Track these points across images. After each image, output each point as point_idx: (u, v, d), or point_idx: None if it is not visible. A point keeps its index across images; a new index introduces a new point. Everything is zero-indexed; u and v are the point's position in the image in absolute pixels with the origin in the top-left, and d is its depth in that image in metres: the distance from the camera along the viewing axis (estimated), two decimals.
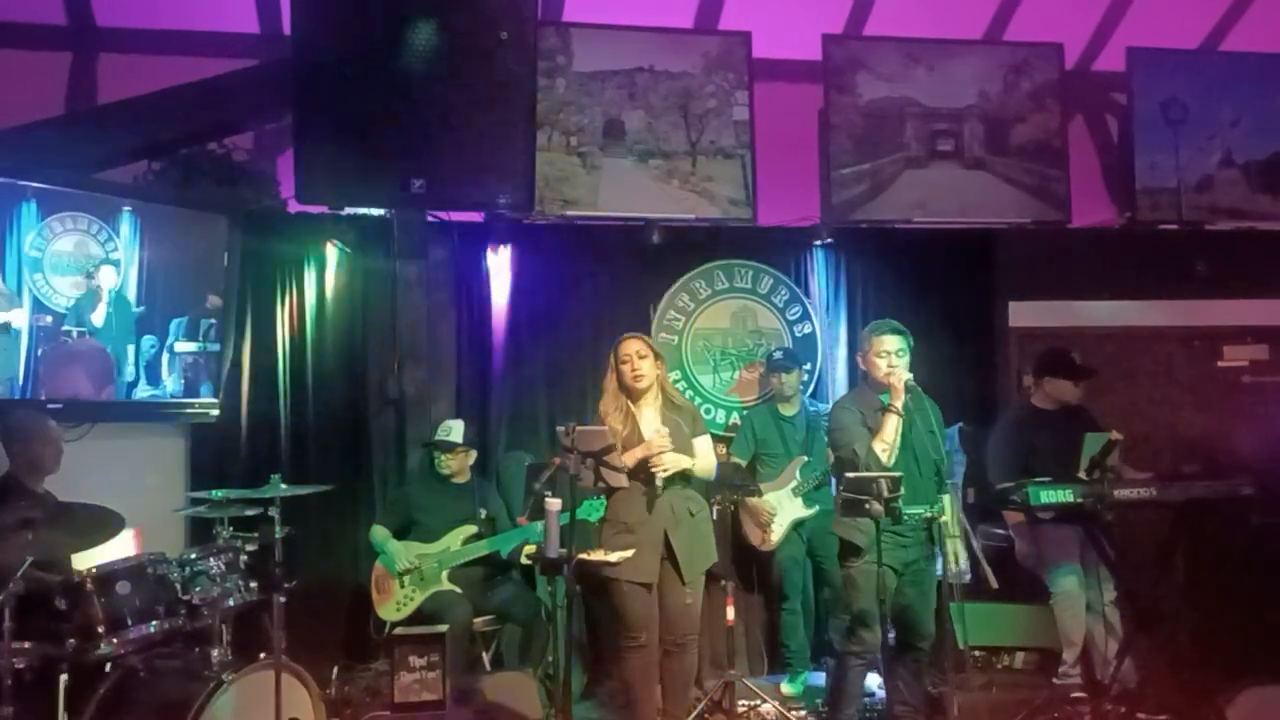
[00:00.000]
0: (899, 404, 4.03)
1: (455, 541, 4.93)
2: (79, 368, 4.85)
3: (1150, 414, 6.15)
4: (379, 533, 4.97)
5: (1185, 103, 6.37)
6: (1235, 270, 6.27)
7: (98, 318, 4.88)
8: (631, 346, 4.22)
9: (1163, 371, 6.29)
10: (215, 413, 5.28)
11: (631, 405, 4.20)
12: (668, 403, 4.27)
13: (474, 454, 5.22)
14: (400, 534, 4.98)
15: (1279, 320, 6.44)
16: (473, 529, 4.97)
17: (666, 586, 4.11)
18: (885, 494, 3.75)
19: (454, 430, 5.13)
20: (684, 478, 4.17)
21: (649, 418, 4.21)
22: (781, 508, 5.28)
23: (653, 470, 4.06)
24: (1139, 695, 4.33)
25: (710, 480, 4.47)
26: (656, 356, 4.25)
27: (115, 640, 3.64)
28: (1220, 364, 6.37)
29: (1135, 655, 4.46)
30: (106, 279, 4.91)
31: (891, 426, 4.02)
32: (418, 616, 4.79)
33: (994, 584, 3.82)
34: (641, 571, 4.04)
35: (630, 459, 4.06)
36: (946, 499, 3.99)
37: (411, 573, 4.86)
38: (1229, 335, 6.40)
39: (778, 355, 5.52)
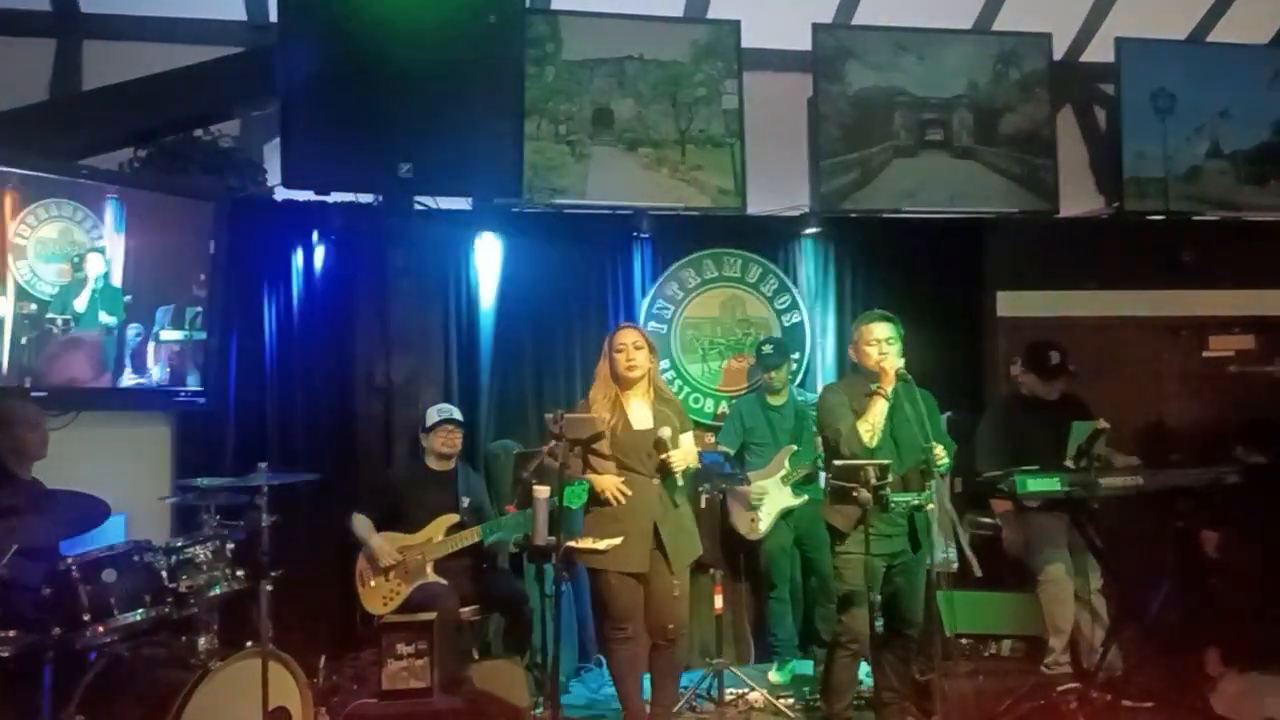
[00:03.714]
0: (887, 388, 4.04)
1: (438, 531, 4.91)
2: (81, 354, 4.82)
3: (1137, 403, 6.18)
4: (361, 524, 4.92)
5: (1173, 93, 6.41)
6: (1222, 260, 6.30)
7: (80, 304, 4.84)
8: (628, 336, 4.23)
9: (1150, 361, 6.32)
10: (202, 401, 5.25)
11: (620, 395, 4.20)
12: (658, 396, 4.28)
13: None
14: (383, 521, 4.95)
15: (1265, 310, 6.47)
16: (455, 518, 4.95)
17: (655, 577, 4.11)
18: (873, 481, 3.76)
19: (455, 411, 5.12)
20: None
21: (638, 409, 4.21)
22: (770, 497, 5.29)
23: (673, 470, 4.09)
24: (1124, 682, 4.36)
25: (691, 473, 4.48)
26: (651, 349, 4.26)
27: (101, 628, 3.61)
28: (1206, 354, 6.40)
29: (1121, 643, 4.48)
30: (92, 266, 4.88)
31: (877, 409, 4.03)
32: (405, 608, 4.77)
33: (977, 572, 3.83)
34: (630, 562, 4.04)
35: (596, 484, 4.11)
36: (933, 487, 3.99)
37: (396, 567, 4.84)
38: (1215, 325, 6.43)
39: (768, 349, 5.49)
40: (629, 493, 4.07)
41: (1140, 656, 4.42)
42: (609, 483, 4.08)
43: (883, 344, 4.12)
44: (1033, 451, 4.56)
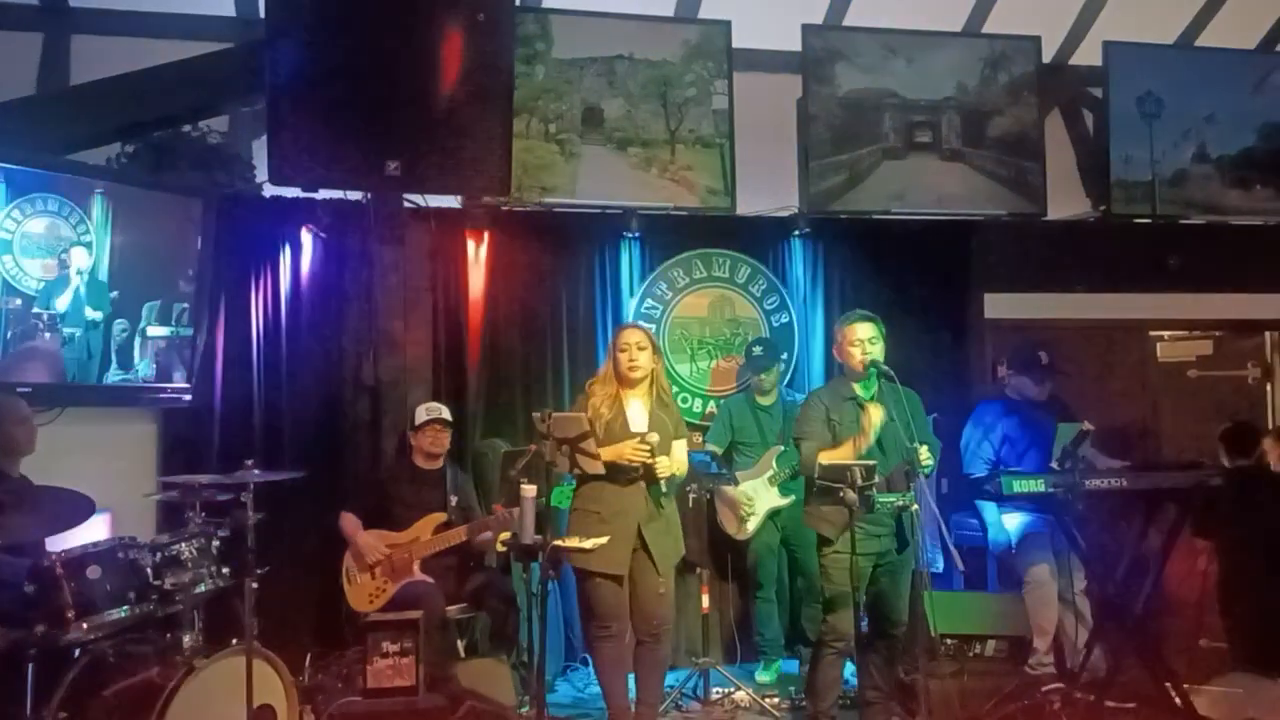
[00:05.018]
0: (864, 443, 3.99)
1: (425, 530, 4.90)
2: (40, 363, 4.78)
3: (1125, 406, 6.21)
4: (349, 522, 4.91)
5: (1160, 97, 6.44)
6: (1208, 264, 6.33)
7: (65, 301, 4.82)
8: (632, 336, 4.24)
9: (1135, 363, 6.36)
10: (188, 398, 5.24)
11: (621, 394, 4.20)
12: (659, 400, 4.27)
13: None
14: (370, 520, 4.95)
15: (1250, 314, 6.51)
16: (442, 517, 4.94)
17: (641, 576, 4.12)
18: (859, 482, 3.77)
19: (444, 410, 5.11)
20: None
21: (636, 409, 4.22)
22: (758, 497, 5.30)
23: (657, 477, 4.08)
24: (1108, 683, 4.37)
25: (680, 481, 4.48)
26: (655, 350, 4.26)
27: (85, 625, 3.59)
28: (1191, 357, 6.44)
29: (1104, 644, 4.50)
30: (78, 262, 4.86)
31: (844, 450, 4.02)
32: (391, 607, 4.76)
33: (960, 565, 3.86)
34: (612, 563, 4.05)
35: (611, 454, 4.06)
36: (916, 487, 4.01)
37: (383, 564, 4.84)
38: (1200, 328, 6.47)
39: (758, 351, 5.49)
40: (653, 439, 4.05)
41: (1123, 657, 4.43)
42: (623, 448, 4.05)
43: (865, 344, 4.14)
44: (1017, 453, 4.57)
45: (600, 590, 4.06)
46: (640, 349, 4.19)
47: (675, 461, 4.22)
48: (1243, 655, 4.54)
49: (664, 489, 4.14)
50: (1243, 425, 5.23)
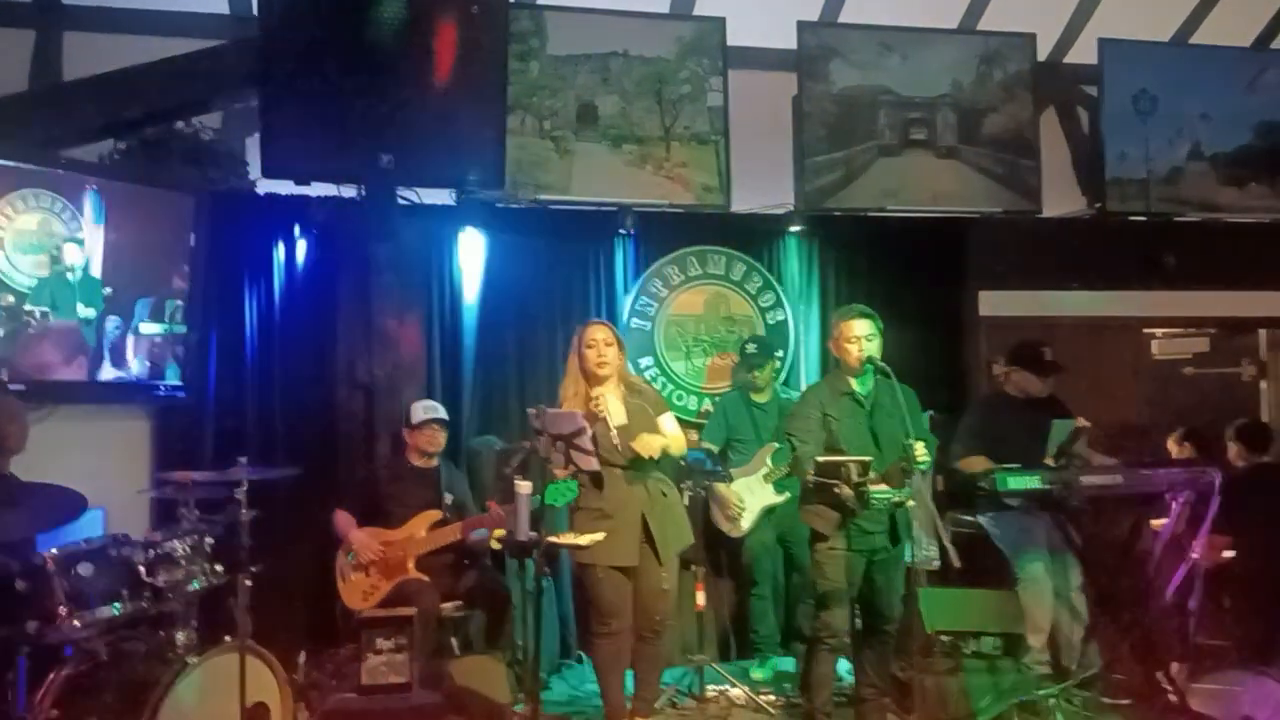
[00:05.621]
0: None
1: (420, 528, 4.89)
2: (49, 342, 4.78)
3: (1119, 403, 6.21)
4: (343, 519, 4.90)
5: (1155, 95, 6.45)
6: (1203, 262, 6.34)
7: (59, 296, 4.80)
8: (598, 333, 4.23)
9: (1130, 361, 6.36)
10: (181, 395, 5.22)
11: (590, 391, 4.20)
12: (629, 390, 4.28)
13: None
14: (364, 517, 4.94)
15: (1244, 312, 6.52)
16: (437, 515, 4.93)
17: (643, 570, 4.11)
18: (854, 479, 3.76)
19: (441, 410, 5.10)
20: (654, 460, 4.17)
21: (612, 405, 4.20)
22: (752, 494, 5.29)
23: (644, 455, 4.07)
24: (1103, 680, 4.37)
25: (682, 456, 4.48)
26: (620, 346, 4.27)
27: (77, 623, 3.59)
28: (1187, 354, 6.45)
29: (1100, 640, 4.50)
30: (71, 258, 4.84)
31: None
32: (385, 604, 4.74)
33: (956, 562, 3.86)
34: (619, 555, 4.04)
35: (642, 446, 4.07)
36: (912, 483, 4.00)
37: (377, 561, 4.82)
38: (1195, 326, 6.48)
39: (751, 348, 5.49)
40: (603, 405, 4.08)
41: (1118, 654, 4.43)
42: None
43: (862, 340, 4.14)
44: (1013, 450, 4.57)
45: (604, 586, 4.04)
46: (608, 345, 4.20)
47: (670, 435, 4.23)
48: (1254, 651, 4.54)
49: (647, 459, 4.12)
50: (1258, 423, 5.23)
